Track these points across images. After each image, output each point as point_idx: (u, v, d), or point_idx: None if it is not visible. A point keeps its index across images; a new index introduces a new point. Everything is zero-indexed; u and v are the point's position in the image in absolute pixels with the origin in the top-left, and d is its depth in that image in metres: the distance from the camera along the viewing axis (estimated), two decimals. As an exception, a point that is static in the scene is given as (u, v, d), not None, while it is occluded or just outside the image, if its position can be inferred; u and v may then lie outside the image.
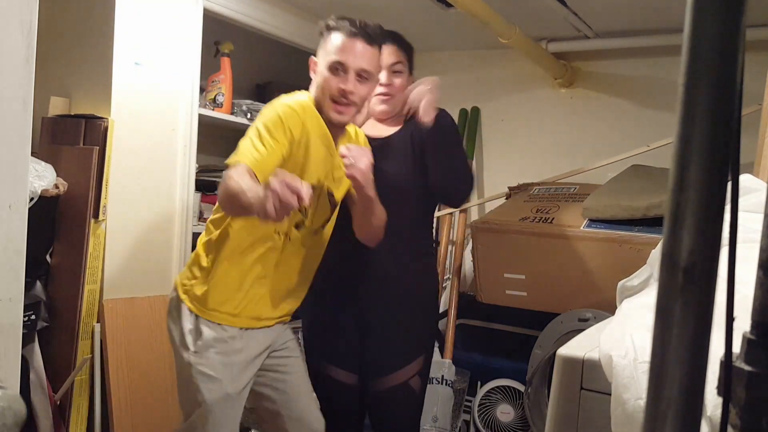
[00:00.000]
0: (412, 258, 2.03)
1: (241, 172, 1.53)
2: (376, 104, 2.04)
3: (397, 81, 2.03)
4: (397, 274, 1.99)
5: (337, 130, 1.79)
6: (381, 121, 2.07)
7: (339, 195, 1.85)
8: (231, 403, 1.74)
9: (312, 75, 1.79)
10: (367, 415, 2.15)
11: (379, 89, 1.98)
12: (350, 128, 1.90)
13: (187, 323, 1.74)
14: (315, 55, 1.79)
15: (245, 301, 1.75)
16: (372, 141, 1.96)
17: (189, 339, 1.72)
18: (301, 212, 1.73)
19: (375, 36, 1.73)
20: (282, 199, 1.33)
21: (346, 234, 1.88)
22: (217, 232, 1.74)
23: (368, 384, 2.02)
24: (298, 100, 1.73)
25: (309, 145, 1.71)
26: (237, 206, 1.52)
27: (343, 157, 1.67)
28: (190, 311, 1.74)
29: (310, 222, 1.79)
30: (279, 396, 1.86)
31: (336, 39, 1.71)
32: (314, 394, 1.94)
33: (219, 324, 1.74)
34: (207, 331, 1.73)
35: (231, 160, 1.60)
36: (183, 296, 1.76)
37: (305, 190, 1.36)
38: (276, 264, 1.76)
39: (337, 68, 1.70)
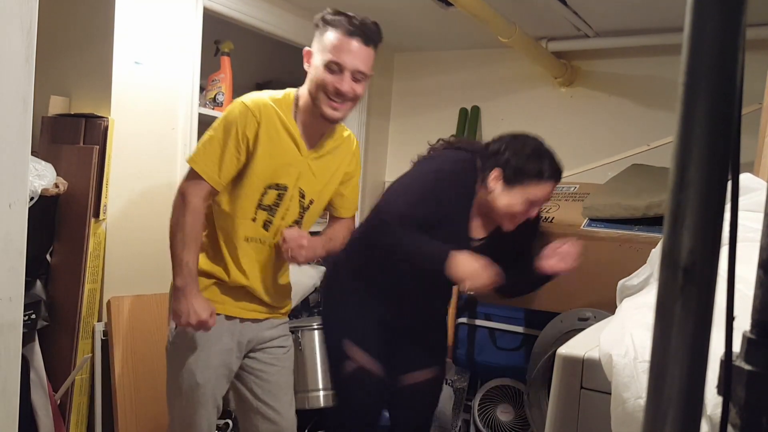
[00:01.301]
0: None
1: (197, 202, 1.70)
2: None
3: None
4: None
5: (321, 125, 1.79)
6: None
7: (314, 193, 1.85)
8: (201, 392, 1.76)
9: (306, 66, 1.77)
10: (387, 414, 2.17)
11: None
12: (342, 131, 1.90)
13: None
14: (310, 46, 1.77)
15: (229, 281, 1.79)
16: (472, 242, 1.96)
17: (171, 324, 1.79)
18: (266, 211, 1.78)
19: (372, 35, 1.73)
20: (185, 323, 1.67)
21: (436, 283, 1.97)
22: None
23: (395, 379, 2.06)
24: (256, 99, 1.74)
25: (271, 145, 1.73)
26: (172, 240, 1.71)
27: (282, 243, 1.75)
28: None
29: (280, 222, 1.80)
30: (258, 397, 1.87)
31: (333, 36, 1.69)
32: (293, 395, 1.96)
33: None
34: None
35: (191, 159, 1.73)
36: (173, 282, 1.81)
37: (208, 320, 1.68)
38: (242, 249, 1.79)
39: (333, 67, 1.69)
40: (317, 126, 1.79)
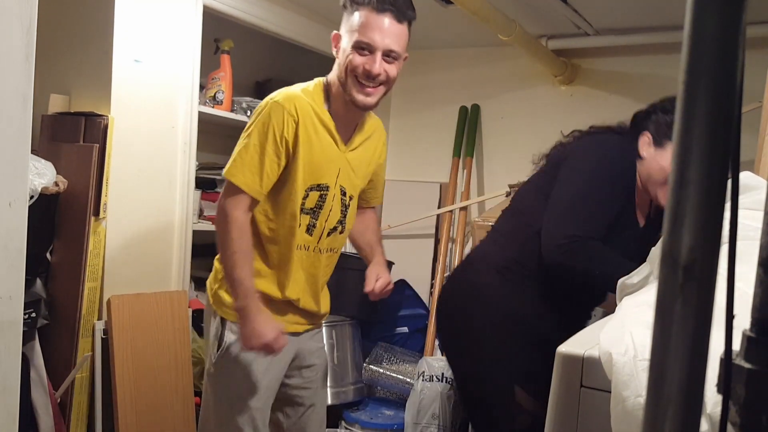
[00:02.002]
0: None
1: (240, 215, 1.58)
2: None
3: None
4: None
5: (354, 114, 1.67)
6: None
7: (353, 189, 1.75)
8: (255, 416, 1.66)
9: (334, 52, 1.64)
10: None
11: None
12: (371, 119, 1.77)
13: (213, 329, 1.69)
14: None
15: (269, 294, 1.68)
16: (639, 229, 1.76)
17: (212, 350, 1.69)
18: (309, 215, 1.67)
19: (404, 11, 1.57)
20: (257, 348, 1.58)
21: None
22: None
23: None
24: (290, 95, 1.61)
25: (310, 144, 1.61)
26: (223, 261, 1.61)
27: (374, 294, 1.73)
28: (215, 314, 1.69)
29: (323, 224, 1.70)
30: (292, 417, 1.82)
31: (361, 14, 1.55)
32: (324, 413, 1.90)
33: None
34: (230, 337, 1.66)
35: (228, 172, 1.59)
36: (210, 300, 1.72)
37: (276, 342, 1.57)
38: (293, 260, 1.68)
39: (363, 48, 1.56)
40: (351, 116, 1.67)
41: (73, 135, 2.21)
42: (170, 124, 2.45)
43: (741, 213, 0.60)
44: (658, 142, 1.69)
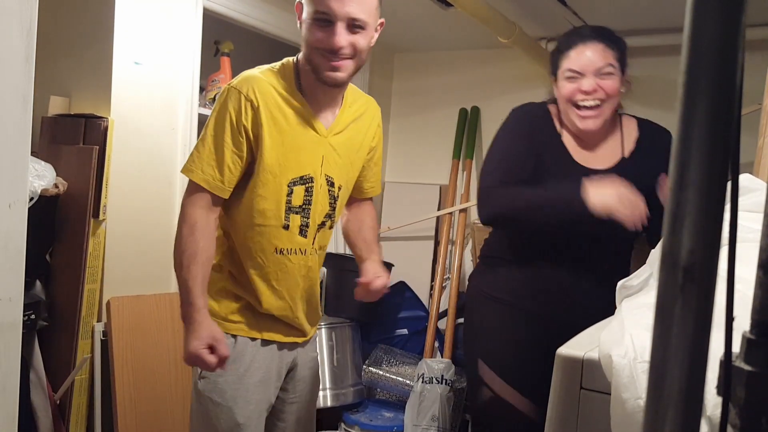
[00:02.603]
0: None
1: (196, 213, 1.43)
2: (578, 120, 1.75)
3: (607, 83, 1.77)
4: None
5: (330, 94, 1.50)
6: (588, 136, 1.80)
7: (342, 178, 1.57)
8: None
9: (298, 25, 1.46)
10: None
11: (581, 99, 1.73)
12: (359, 96, 1.61)
13: None
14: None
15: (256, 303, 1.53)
16: (592, 172, 1.71)
17: None
18: (299, 214, 1.51)
19: None
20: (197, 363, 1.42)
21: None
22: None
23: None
24: (245, 77, 1.44)
25: (278, 130, 1.43)
26: (174, 267, 1.48)
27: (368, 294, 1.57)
28: None
29: (315, 221, 1.54)
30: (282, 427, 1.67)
31: None
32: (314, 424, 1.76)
33: (233, 336, 1.52)
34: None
35: (185, 169, 1.46)
36: None
37: (208, 357, 1.40)
38: (288, 269, 1.53)
39: (321, 19, 1.37)
40: (328, 95, 1.49)
41: (73, 137, 2.21)
42: (170, 126, 2.45)
43: (741, 215, 0.60)
44: (554, 76, 1.82)
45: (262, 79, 1.44)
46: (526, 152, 1.74)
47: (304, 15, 1.42)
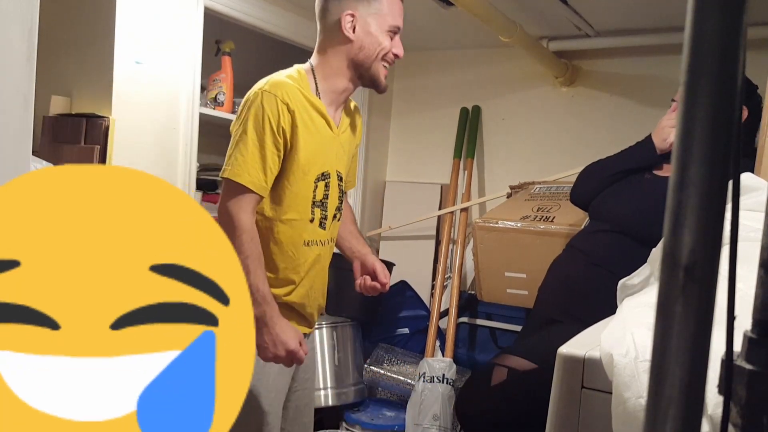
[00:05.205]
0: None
1: (247, 218, 1.48)
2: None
3: None
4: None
5: (339, 98, 1.65)
6: None
7: (345, 173, 1.72)
8: (268, 420, 1.59)
9: (347, 32, 1.57)
10: None
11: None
12: (351, 102, 1.78)
13: None
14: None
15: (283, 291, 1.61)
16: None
17: None
18: (320, 207, 1.62)
19: None
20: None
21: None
22: None
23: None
24: (277, 82, 1.53)
25: (307, 132, 1.54)
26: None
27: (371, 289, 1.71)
28: None
29: (331, 214, 1.66)
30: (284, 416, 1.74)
31: (393, 0, 1.61)
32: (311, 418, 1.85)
33: None
34: None
35: (231, 173, 1.49)
36: None
37: (299, 350, 1.50)
38: (308, 261, 1.63)
39: (395, 32, 1.61)
40: (338, 100, 1.65)
41: (74, 136, 2.21)
42: (171, 125, 2.45)
43: (742, 214, 0.60)
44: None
45: (291, 84, 1.54)
46: None
47: (373, 27, 1.59)
